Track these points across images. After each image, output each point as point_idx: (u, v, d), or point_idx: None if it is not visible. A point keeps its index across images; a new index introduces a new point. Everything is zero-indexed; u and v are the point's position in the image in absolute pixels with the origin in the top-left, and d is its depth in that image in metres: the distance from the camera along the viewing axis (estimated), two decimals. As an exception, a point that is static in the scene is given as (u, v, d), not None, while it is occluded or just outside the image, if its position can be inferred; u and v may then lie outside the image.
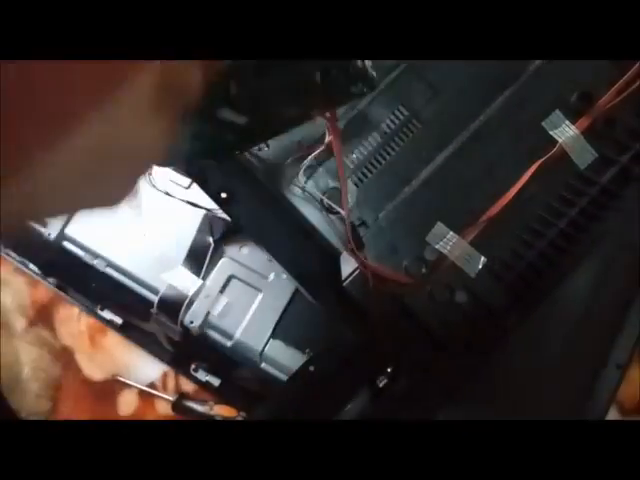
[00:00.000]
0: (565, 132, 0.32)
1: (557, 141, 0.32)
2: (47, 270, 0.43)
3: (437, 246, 0.32)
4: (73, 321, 0.41)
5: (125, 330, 0.42)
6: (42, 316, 0.42)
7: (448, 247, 0.32)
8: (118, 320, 0.42)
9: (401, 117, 0.35)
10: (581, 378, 0.35)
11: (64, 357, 0.41)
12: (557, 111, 0.33)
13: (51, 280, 0.43)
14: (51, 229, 0.42)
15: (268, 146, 0.34)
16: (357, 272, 0.32)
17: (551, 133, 0.32)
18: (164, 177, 0.42)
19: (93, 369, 0.40)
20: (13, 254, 0.43)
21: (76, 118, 0.13)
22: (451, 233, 0.32)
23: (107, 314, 0.42)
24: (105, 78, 0.13)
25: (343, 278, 0.32)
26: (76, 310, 0.43)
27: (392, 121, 0.35)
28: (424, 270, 0.32)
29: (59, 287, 0.42)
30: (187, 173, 0.36)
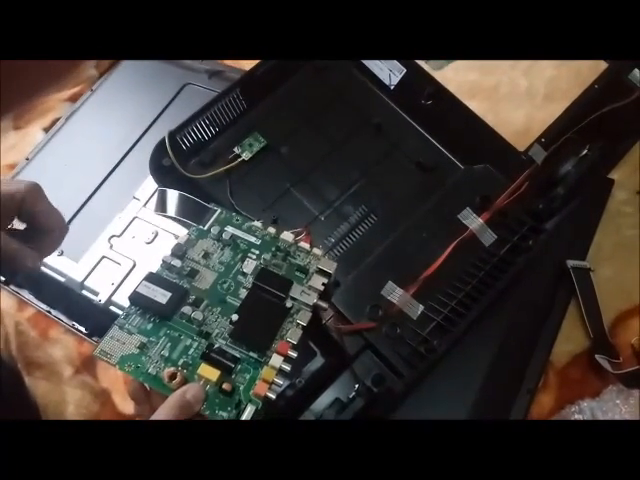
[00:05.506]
0: (473, 221, 0.47)
1: (468, 227, 0.47)
2: (93, 330, 0.55)
3: (389, 297, 0.45)
4: (111, 368, 0.52)
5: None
6: (86, 366, 0.53)
7: (396, 298, 0.45)
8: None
9: (363, 212, 0.51)
10: (500, 400, 0.46)
11: (102, 397, 0.51)
12: (467, 208, 0.48)
13: (95, 339, 0.54)
14: (101, 297, 0.54)
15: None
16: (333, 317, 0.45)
17: (464, 222, 0.48)
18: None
19: (126, 405, 0.50)
20: (64, 318, 0.56)
21: None
22: (398, 288, 0.45)
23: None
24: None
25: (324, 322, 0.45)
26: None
27: (357, 215, 0.51)
28: (380, 314, 0.45)
29: (101, 343, 0.54)
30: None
